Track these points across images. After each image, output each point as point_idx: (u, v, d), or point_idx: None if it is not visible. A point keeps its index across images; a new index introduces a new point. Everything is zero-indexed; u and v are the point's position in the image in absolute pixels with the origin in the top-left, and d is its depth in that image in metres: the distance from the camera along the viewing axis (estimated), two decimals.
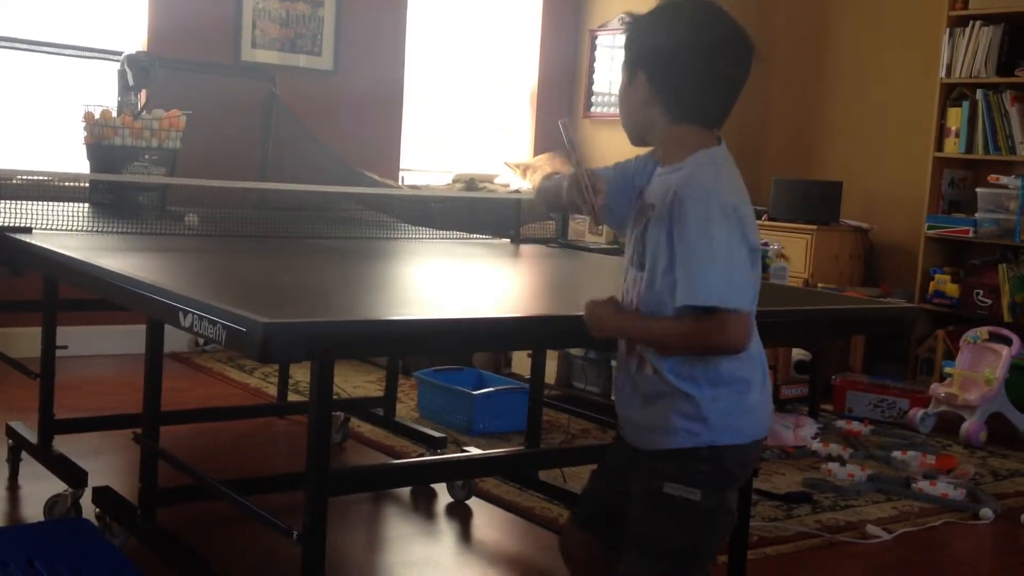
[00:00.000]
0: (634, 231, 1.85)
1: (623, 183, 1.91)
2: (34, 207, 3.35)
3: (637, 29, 1.83)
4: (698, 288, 1.68)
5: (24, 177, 4.27)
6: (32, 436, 3.27)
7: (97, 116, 4.16)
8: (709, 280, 1.67)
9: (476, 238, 3.98)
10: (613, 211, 1.93)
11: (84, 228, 3.25)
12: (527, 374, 3.70)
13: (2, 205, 3.10)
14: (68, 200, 3.95)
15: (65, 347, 3.24)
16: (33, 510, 3.08)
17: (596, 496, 2.00)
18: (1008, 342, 4.66)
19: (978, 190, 5.31)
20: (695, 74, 1.77)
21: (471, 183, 6.14)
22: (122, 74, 4.43)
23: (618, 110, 1.91)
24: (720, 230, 1.68)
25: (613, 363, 3.27)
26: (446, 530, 3.28)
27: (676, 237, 1.71)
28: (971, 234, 5.28)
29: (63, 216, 3.27)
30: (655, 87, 1.78)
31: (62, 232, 3.05)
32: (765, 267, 4.94)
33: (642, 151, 1.94)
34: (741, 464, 1.81)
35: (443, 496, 3.47)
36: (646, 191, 1.85)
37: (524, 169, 6.69)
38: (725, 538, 1.87)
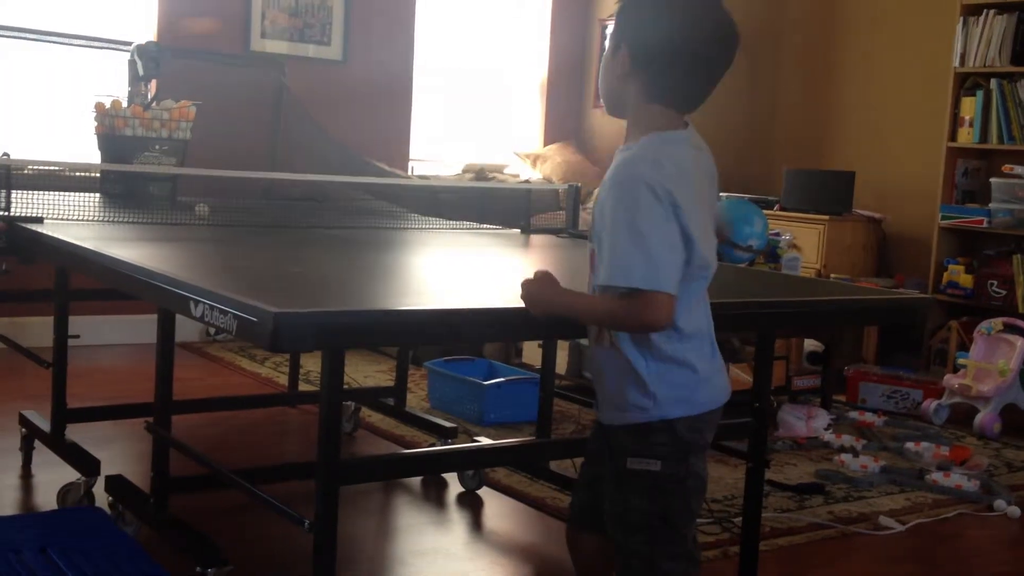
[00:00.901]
0: (593, 207, 1.88)
1: None
2: (45, 197, 3.35)
3: (629, 4, 1.86)
4: (618, 269, 1.71)
5: (35, 167, 4.27)
6: (45, 425, 3.28)
7: (107, 106, 4.16)
8: (630, 261, 1.70)
9: (486, 228, 3.97)
10: None
11: (95, 218, 3.25)
12: (538, 364, 3.70)
13: (14, 195, 3.10)
14: (79, 190, 3.95)
15: (77, 336, 3.25)
16: (46, 499, 3.09)
17: (584, 486, 2.04)
18: (1022, 333, 4.63)
19: (992, 180, 5.28)
20: (675, 58, 1.79)
21: (481, 173, 6.13)
22: (132, 64, 4.43)
23: (599, 77, 1.94)
24: (647, 212, 1.71)
25: None
26: (457, 520, 3.28)
27: (605, 216, 1.74)
28: (985, 224, 5.25)
29: (74, 206, 3.27)
30: (635, 64, 1.81)
31: (73, 222, 3.05)
32: (777, 258, 4.92)
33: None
34: (698, 431, 1.85)
35: (454, 486, 3.47)
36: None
37: (534, 159, 6.67)
38: (699, 503, 1.90)
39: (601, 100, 1.93)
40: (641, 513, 1.84)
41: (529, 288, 1.84)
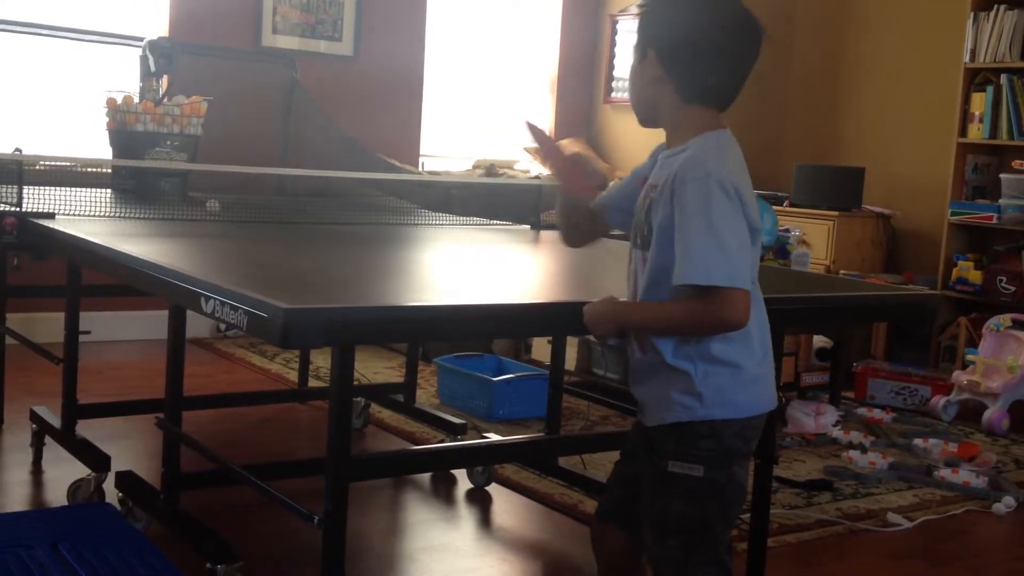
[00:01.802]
0: (638, 214, 1.87)
1: (633, 183, 1.96)
2: (57, 193, 3.37)
3: (651, 8, 1.86)
4: (697, 267, 1.70)
5: (47, 163, 4.29)
6: (55, 421, 3.29)
7: (119, 102, 4.17)
8: (708, 260, 1.70)
9: (496, 224, 3.97)
10: (621, 209, 1.98)
11: (107, 214, 3.27)
12: (547, 360, 3.70)
13: (26, 191, 3.12)
14: (91, 186, 3.97)
15: (88, 332, 3.26)
16: (56, 494, 3.10)
17: (617, 483, 2.02)
18: None
19: (1002, 176, 5.27)
20: (706, 55, 1.79)
21: (491, 169, 6.13)
22: (144, 60, 4.44)
23: (628, 90, 1.93)
24: (720, 209, 1.71)
25: None
26: (466, 516, 3.28)
27: (677, 216, 1.74)
28: (995, 220, 5.24)
29: (86, 202, 3.29)
30: (666, 66, 1.81)
31: (85, 218, 3.06)
32: (786, 253, 4.92)
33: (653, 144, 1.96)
34: (743, 438, 1.84)
35: (463, 482, 3.48)
36: (651, 175, 1.88)
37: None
38: (737, 511, 1.88)
39: (633, 111, 1.91)
40: (678, 517, 1.82)
41: (593, 309, 1.84)
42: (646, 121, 1.90)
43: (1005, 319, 4.72)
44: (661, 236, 1.78)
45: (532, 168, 6.53)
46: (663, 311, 1.79)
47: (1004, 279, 5.17)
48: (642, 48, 1.84)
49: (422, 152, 6.36)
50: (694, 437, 1.81)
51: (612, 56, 6.83)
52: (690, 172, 1.74)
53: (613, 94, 6.81)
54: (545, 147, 2.00)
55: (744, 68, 1.81)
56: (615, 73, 6.81)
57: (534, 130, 2.01)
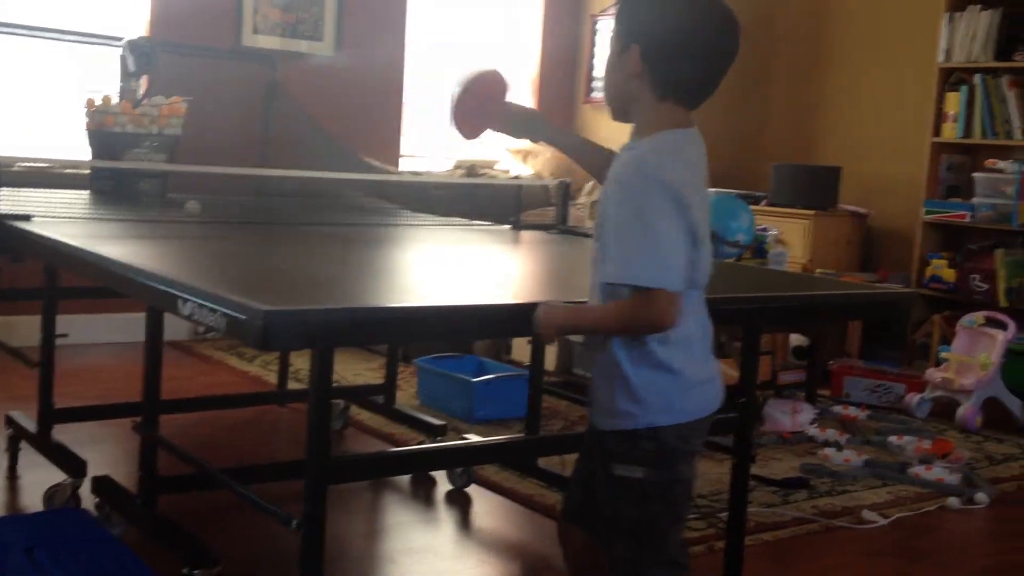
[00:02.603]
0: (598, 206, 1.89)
1: None
2: (34, 194, 3.35)
3: (636, 3, 1.85)
4: (623, 267, 1.71)
5: (24, 164, 4.26)
6: (31, 425, 3.27)
7: (98, 102, 4.15)
8: (635, 259, 1.70)
9: (477, 224, 3.98)
10: None
11: (84, 215, 3.25)
12: (527, 361, 3.71)
13: (2, 192, 3.10)
14: (68, 187, 3.95)
15: (65, 335, 3.24)
16: (32, 500, 3.08)
17: (576, 483, 2.03)
18: (1004, 327, 4.67)
19: (975, 175, 5.31)
20: (689, 53, 1.79)
21: (472, 169, 6.14)
22: (123, 60, 4.42)
23: (603, 82, 1.93)
24: (655, 210, 1.70)
25: None
26: (446, 517, 3.29)
27: (611, 213, 1.74)
28: (968, 219, 5.28)
29: (63, 203, 3.27)
30: (647, 62, 1.80)
31: (62, 219, 3.04)
32: (764, 252, 4.95)
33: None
34: (684, 440, 1.84)
35: (443, 483, 3.49)
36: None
37: (525, 155, 6.68)
38: (686, 509, 1.89)
39: (606, 104, 1.91)
40: (626, 519, 1.84)
41: (537, 316, 1.84)
42: (618, 114, 1.89)
43: (978, 317, 4.77)
44: (603, 232, 1.79)
45: (512, 168, 6.54)
46: (599, 313, 1.80)
47: (977, 277, 5.21)
48: (623, 42, 1.82)
49: (403, 152, 6.36)
50: (635, 440, 1.81)
51: (592, 56, 6.85)
52: (630, 169, 1.74)
53: (593, 94, 6.83)
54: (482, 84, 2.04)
55: (723, 68, 1.82)
56: (595, 73, 6.83)
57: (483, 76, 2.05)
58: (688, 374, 1.82)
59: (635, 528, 1.84)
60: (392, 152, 6.23)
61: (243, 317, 1.71)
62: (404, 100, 6.31)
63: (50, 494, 3.01)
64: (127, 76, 4.42)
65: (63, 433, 3.27)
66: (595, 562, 1.99)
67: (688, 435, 1.84)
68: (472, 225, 3.95)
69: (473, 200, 4.93)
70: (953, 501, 3.52)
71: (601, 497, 1.88)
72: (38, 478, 3.15)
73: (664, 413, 1.81)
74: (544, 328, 1.83)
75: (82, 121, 4.23)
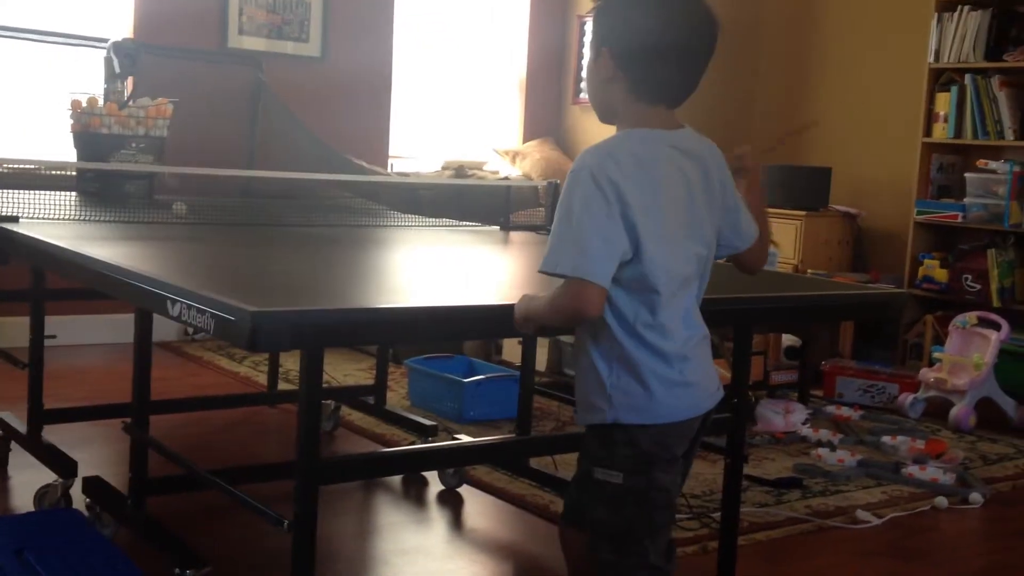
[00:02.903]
0: None
1: None
2: (21, 196, 3.32)
3: (604, 7, 1.85)
4: (548, 256, 1.73)
5: (10, 166, 4.24)
6: (21, 426, 3.26)
7: (84, 104, 4.13)
8: (560, 249, 1.72)
9: (465, 225, 3.97)
10: None
11: (71, 217, 3.23)
12: (518, 361, 3.70)
13: None
14: (55, 189, 3.92)
15: (53, 337, 3.23)
16: (23, 500, 3.07)
17: (572, 485, 2.02)
18: (997, 327, 4.67)
19: (967, 175, 5.32)
20: (659, 54, 1.79)
21: (460, 170, 6.13)
22: (108, 61, 4.40)
23: (586, 87, 1.93)
24: (585, 201, 1.71)
25: None
26: (437, 518, 3.28)
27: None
28: (960, 219, 5.29)
29: (50, 205, 3.25)
30: (619, 65, 1.80)
31: (49, 221, 3.03)
32: None
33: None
34: (662, 445, 1.82)
35: (434, 484, 3.47)
36: None
37: (513, 156, 6.67)
38: (663, 516, 1.87)
39: (593, 108, 1.91)
40: (607, 524, 1.84)
41: (518, 305, 1.86)
42: (604, 117, 1.90)
43: (971, 317, 4.77)
44: None
45: (501, 169, 6.53)
46: (540, 301, 1.81)
47: (969, 277, 5.22)
48: (597, 46, 1.84)
49: (391, 153, 6.34)
50: (612, 443, 1.81)
51: (580, 57, 6.85)
52: (576, 164, 1.76)
53: (581, 95, 6.82)
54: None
55: (698, 66, 1.81)
56: (583, 74, 6.82)
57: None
58: (657, 376, 1.80)
59: (612, 532, 1.84)
60: (380, 153, 6.21)
61: (232, 318, 1.70)
62: (392, 100, 6.30)
63: (40, 495, 3.00)
64: (112, 78, 4.40)
65: (53, 434, 3.25)
66: (596, 565, 1.98)
67: (664, 440, 1.82)
68: (461, 226, 3.94)
69: (462, 201, 4.92)
70: (941, 501, 3.51)
71: (585, 500, 1.88)
72: (28, 479, 3.13)
73: (630, 412, 1.80)
74: (515, 318, 1.86)
75: (68, 123, 4.21)
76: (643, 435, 1.80)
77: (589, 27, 6.85)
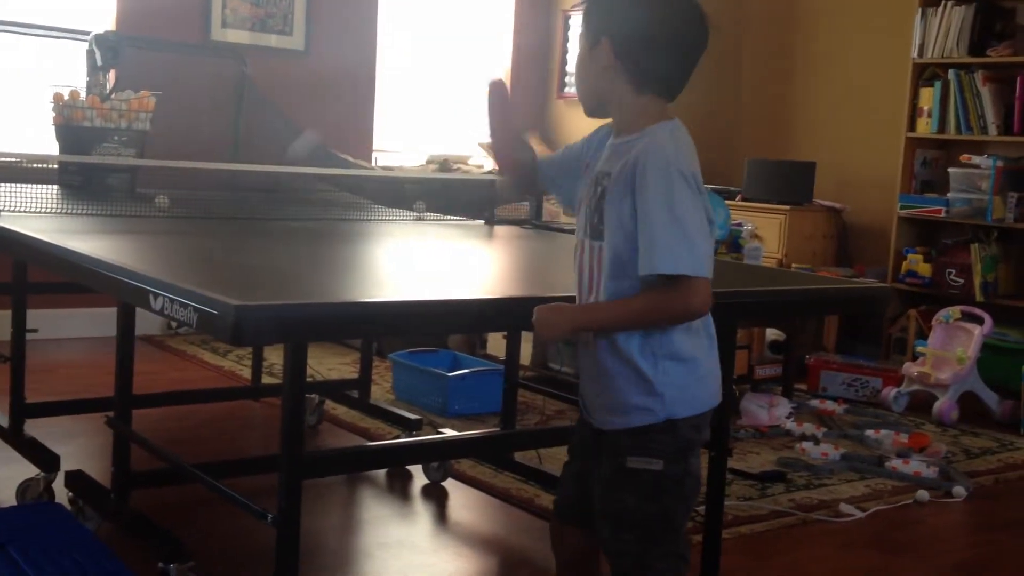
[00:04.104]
0: (588, 202, 1.86)
1: (569, 162, 1.98)
2: (2, 189, 3.31)
3: None
4: (664, 257, 1.70)
5: None
6: (3, 420, 3.24)
7: (65, 97, 4.11)
8: (674, 249, 1.70)
9: (450, 219, 3.96)
10: (560, 187, 2.02)
11: (53, 210, 3.21)
12: (502, 355, 3.70)
13: None
14: (36, 182, 3.90)
15: (35, 330, 3.21)
16: (5, 495, 3.05)
17: (569, 482, 2.00)
18: (980, 321, 4.69)
19: (950, 170, 5.34)
20: (661, 44, 1.79)
21: (445, 164, 6.12)
22: (90, 54, 4.37)
23: (575, 79, 1.93)
24: (683, 198, 1.72)
25: None
26: (422, 511, 3.27)
27: (639, 207, 1.73)
28: (943, 214, 5.31)
29: (31, 198, 3.23)
30: (619, 55, 1.79)
31: (31, 214, 3.01)
32: (739, 247, 4.96)
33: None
34: (698, 429, 1.85)
35: (419, 478, 3.47)
36: (600, 161, 1.87)
37: None
38: (695, 502, 1.89)
39: (580, 101, 1.89)
40: (638, 512, 1.81)
41: (547, 318, 1.80)
42: (594, 111, 1.88)
43: (954, 311, 4.79)
44: (620, 228, 1.76)
45: (486, 163, 6.52)
46: (626, 307, 1.77)
47: (953, 272, 5.24)
48: (594, 36, 1.82)
49: (375, 147, 6.33)
50: (651, 433, 1.80)
51: (565, 51, 6.84)
52: (651, 162, 1.73)
53: (566, 89, 6.82)
54: (496, 107, 2.02)
55: (695, 58, 1.81)
56: (568, 68, 6.82)
57: (496, 88, 2.02)
58: (702, 362, 1.83)
59: (646, 521, 1.82)
60: (365, 147, 6.20)
61: (215, 312, 1.69)
62: (376, 94, 6.28)
63: (23, 489, 2.98)
64: (95, 70, 4.37)
65: (35, 428, 3.24)
66: (588, 562, 1.98)
67: (701, 425, 1.85)
68: (446, 220, 3.93)
69: (447, 195, 4.91)
70: (922, 495, 3.53)
71: (606, 490, 1.85)
72: (10, 473, 3.11)
73: (682, 404, 1.80)
74: (547, 329, 1.80)
75: (50, 116, 4.18)
76: (684, 423, 1.81)
77: (576, 20, 6.80)
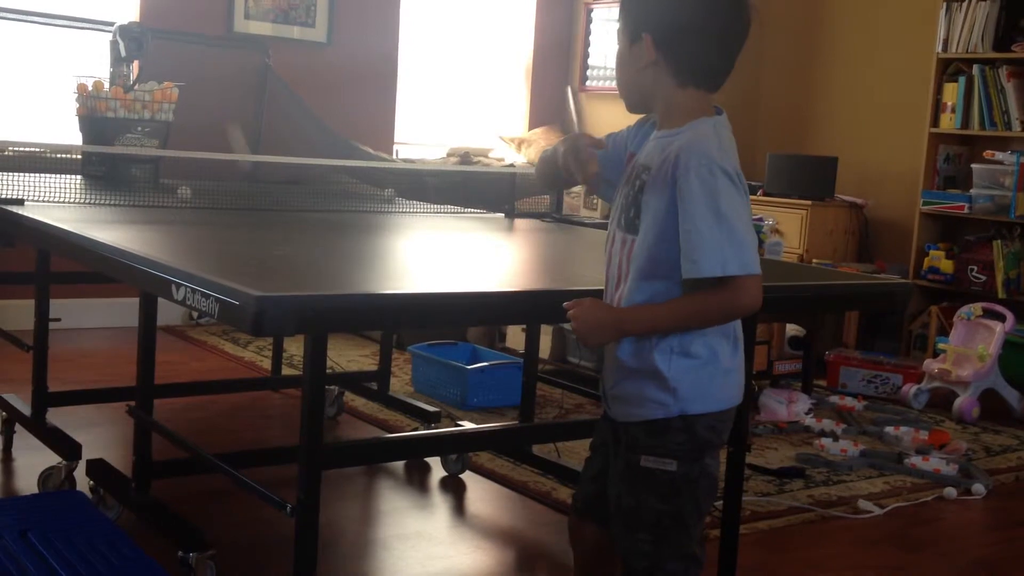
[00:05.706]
0: (624, 193, 1.84)
1: (617, 153, 1.92)
2: (26, 179, 3.33)
3: None
4: (712, 259, 1.68)
5: (16, 149, 4.24)
6: (26, 408, 3.27)
7: (89, 88, 4.13)
8: (722, 250, 1.68)
9: (470, 212, 3.97)
10: (609, 182, 1.93)
11: (77, 200, 3.24)
12: (521, 348, 3.71)
13: None
14: (60, 172, 3.93)
15: (58, 320, 3.23)
16: (27, 483, 3.08)
17: (589, 478, 1.99)
18: (1002, 318, 4.66)
19: (973, 166, 5.30)
20: (703, 36, 1.77)
21: (466, 157, 6.12)
22: (114, 45, 4.39)
23: (616, 76, 1.90)
24: (728, 197, 1.70)
25: None
26: (440, 504, 3.28)
27: (681, 206, 1.70)
28: (966, 210, 5.28)
29: (56, 188, 3.25)
30: (662, 49, 1.77)
31: (55, 204, 3.03)
32: (760, 242, 4.94)
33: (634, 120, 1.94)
34: (715, 431, 1.82)
35: (437, 470, 3.48)
36: (640, 153, 1.85)
37: (519, 143, 6.66)
38: (710, 503, 1.87)
39: (622, 98, 1.87)
40: (651, 511, 1.81)
41: (586, 319, 1.77)
42: (636, 107, 1.86)
43: (976, 308, 4.76)
44: (655, 225, 1.74)
45: (506, 156, 6.52)
46: (673, 310, 1.75)
47: (975, 268, 5.21)
48: (634, 32, 1.80)
49: (396, 139, 6.34)
50: (667, 431, 1.79)
51: (587, 44, 6.82)
52: (693, 160, 1.70)
53: (588, 82, 6.80)
54: (577, 119, 2.00)
55: (736, 48, 1.80)
56: (590, 61, 6.81)
57: (574, 98, 2.01)
58: (721, 361, 1.80)
59: (659, 521, 1.81)
60: (386, 139, 6.21)
61: (236, 303, 1.70)
62: (398, 86, 6.29)
63: (44, 477, 3.01)
64: (118, 61, 4.39)
65: (57, 416, 3.26)
66: (606, 558, 1.97)
67: (717, 425, 1.82)
68: (466, 213, 3.93)
69: (467, 188, 4.91)
70: (950, 491, 3.52)
71: (621, 489, 1.84)
72: (32, 461, 3.14)
73: (696, 401, 1.78)
74: (601, 332, 1.78)
75: (73, 106, 4.21)
76: (700, 422, 1.79)
77: (598, 13, 6.79)
